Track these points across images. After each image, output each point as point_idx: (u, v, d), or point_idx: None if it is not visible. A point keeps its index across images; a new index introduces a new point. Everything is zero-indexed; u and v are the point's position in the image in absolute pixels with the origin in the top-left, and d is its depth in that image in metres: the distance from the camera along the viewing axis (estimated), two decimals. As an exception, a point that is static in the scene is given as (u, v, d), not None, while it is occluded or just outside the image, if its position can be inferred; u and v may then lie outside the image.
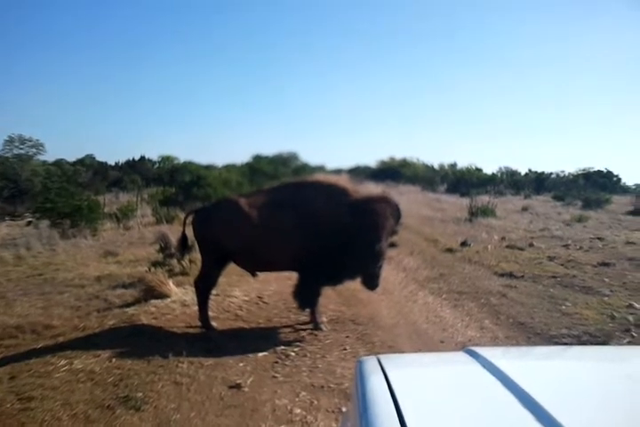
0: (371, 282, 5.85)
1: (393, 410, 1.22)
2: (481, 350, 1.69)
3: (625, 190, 37.61)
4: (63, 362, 5.09)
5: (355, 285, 7.04)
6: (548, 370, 1.64)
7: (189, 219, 6.36)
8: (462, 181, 35.40)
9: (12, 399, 4.34)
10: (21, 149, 25.71)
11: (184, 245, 6.57)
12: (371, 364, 1.64)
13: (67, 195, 16.10)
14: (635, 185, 39.03)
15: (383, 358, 1.71)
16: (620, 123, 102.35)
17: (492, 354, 1.66)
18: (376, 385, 1.42)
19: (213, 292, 6.50)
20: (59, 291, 7.97)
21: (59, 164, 33.72)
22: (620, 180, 41.13)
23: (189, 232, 6.34)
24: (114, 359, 5.17)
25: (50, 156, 35.22)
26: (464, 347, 1.83)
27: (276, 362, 5.16)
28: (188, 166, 28.27)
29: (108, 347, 5.46)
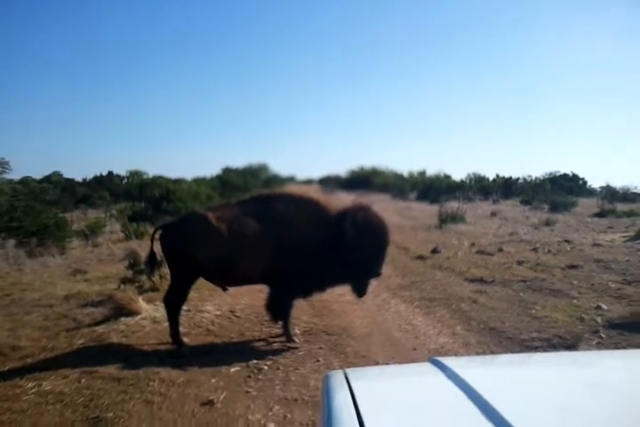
0: (362, 289, 6.08)
1: (357, 425, 1.22)
2: (446, 360, 1.70)
3: (591, 193, 38.25)
4: (31, 384, 4.98)
5: (327, 296, 7.04)
6: (512, 379, 1.65)
7: (157, 234, 6.28)
8: (432, 189, 35.62)
9: (-22, 426, 4.23)
10: (-14, 168, 25.05)
11: (153, 261, 6.42)
12: (337, 378, 1.64)
13: (33, 213, 15.75)
14: (600, 188, 39.73)
15: (350, 371, 1.71)
16: (585, 126, 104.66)
17: (457, 364, 1.68)
18: (341, 400, 1.42)
19: (184, 307, 6.43)
20: (26, 311, 7.78)
21: (25, 181, 32.96)
22: (585, 183, 42.02)
23: (157, 248, 6.25)
24: (83, 380, 5.07)
25: (16, 174, 34.44)
26: (430, 357, 1.84)
27: (249, 376, 5.12)
28: (157, 181, 27.91)
29: (77, 367, 5.35)
